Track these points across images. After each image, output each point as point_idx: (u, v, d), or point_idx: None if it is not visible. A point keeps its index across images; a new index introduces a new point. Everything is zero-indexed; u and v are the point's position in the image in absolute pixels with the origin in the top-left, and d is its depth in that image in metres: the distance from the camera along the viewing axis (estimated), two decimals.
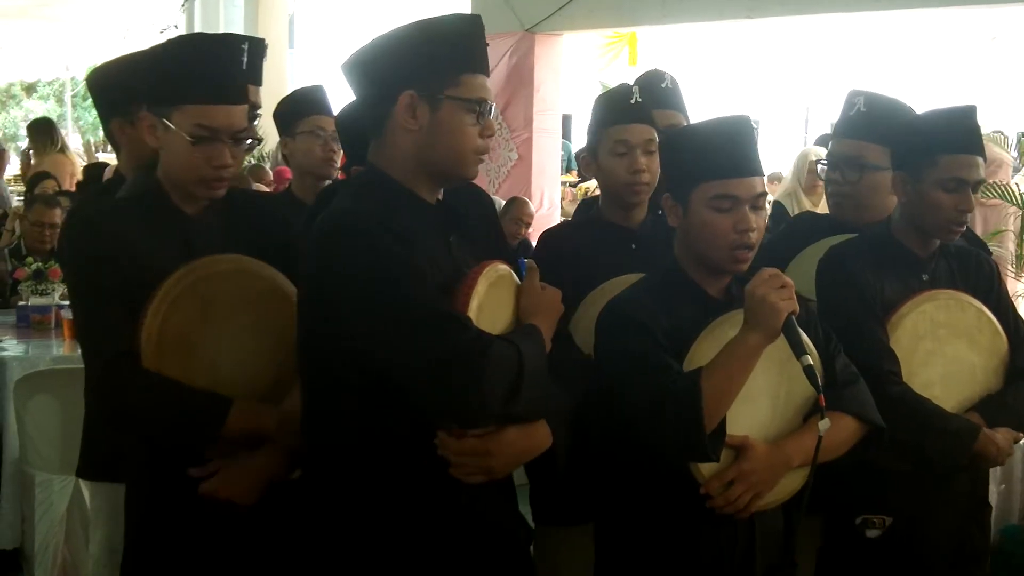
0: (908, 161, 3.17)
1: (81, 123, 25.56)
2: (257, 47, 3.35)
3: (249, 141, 2.87)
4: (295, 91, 4.41)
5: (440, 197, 2.55)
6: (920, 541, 3.16)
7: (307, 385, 2.51)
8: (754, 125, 2.94)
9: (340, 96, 3.46)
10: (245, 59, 2.80)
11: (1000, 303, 3.28)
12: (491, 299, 2.42)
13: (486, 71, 2.49)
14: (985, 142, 3.22)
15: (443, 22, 2.44)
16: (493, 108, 2.50)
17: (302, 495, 2.56)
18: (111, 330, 2.68)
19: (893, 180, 3.23)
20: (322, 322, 2.38)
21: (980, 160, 3.13)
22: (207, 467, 2.73)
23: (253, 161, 11.50)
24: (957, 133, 3.13)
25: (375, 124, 2.47)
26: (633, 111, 3.33)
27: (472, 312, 2.34)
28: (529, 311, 2.53)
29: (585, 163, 3.46)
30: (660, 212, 3.43)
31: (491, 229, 2.77)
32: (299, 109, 4.17)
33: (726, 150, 2.71)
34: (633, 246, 3.33)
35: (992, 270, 3.34)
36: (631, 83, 3.49)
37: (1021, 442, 4.05)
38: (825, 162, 3.53)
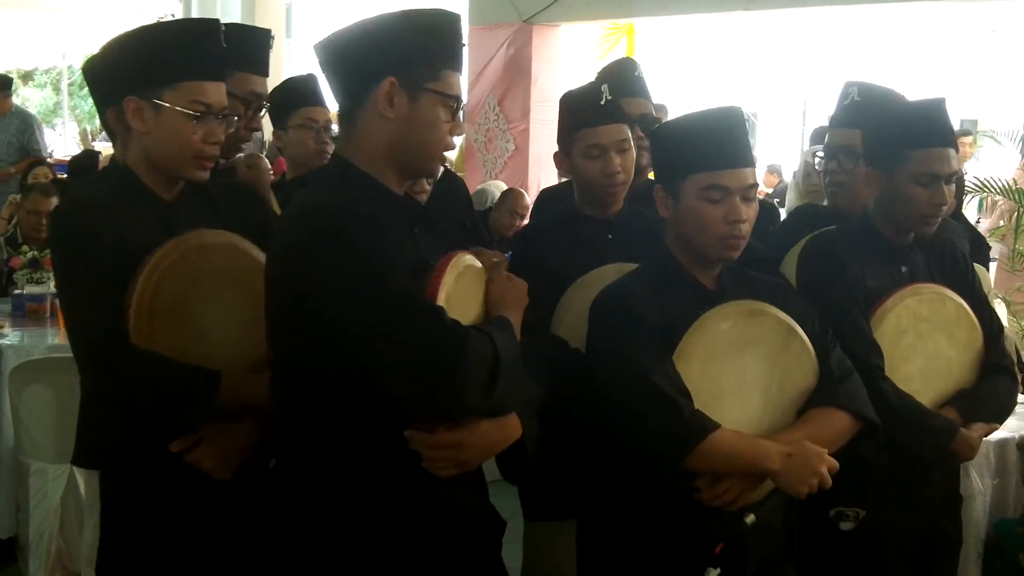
0: (879, 157, 3.17)
1: (78, 111, 25.51)
2: (261, 36, 3.33)
3: (237, 118, 2.90)
4: (285, 82, 4.33)
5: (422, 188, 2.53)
6: (892, 533, 3.16)
7: (279, 376, 2.46)
8: (751, 118, 2.95)
9: None
10: (222, 39, 2.82)
11: (973, 295, 3.28)
12: (458, 290, 2.39)
13: (461, 70, 2.47)
14: None
15: (429, 15, 2.40)
16: (463, 107, 2.47)
17: (275, 486, 2.52)
18: (99, 308, 2.68)
19: (867, 175, 3.23)
20: (295, 314, 2.31)
21: (952, 152, 3.12)
22: (188, 438, 2.74)
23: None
24: (927, 127, 3.12)
25: (348, 111, 2.43)
26: (604, 112, 3.30)
27: (441, 303, 2.31)
28: (498, 303, 2.50)
29: (558, 160, 3.45)
30: (636, 202, 3.46)
31: (465, 216, 2.74)
32: (290, 102, 4.12)
33: (717, 141, 2.72)
34: (609, 236, 3.34)
35: (966, 263, 3.34)
36: (599, 81, 3.47)
37: (1016, 436, 4.09)
38: (821, 154, 3.53)
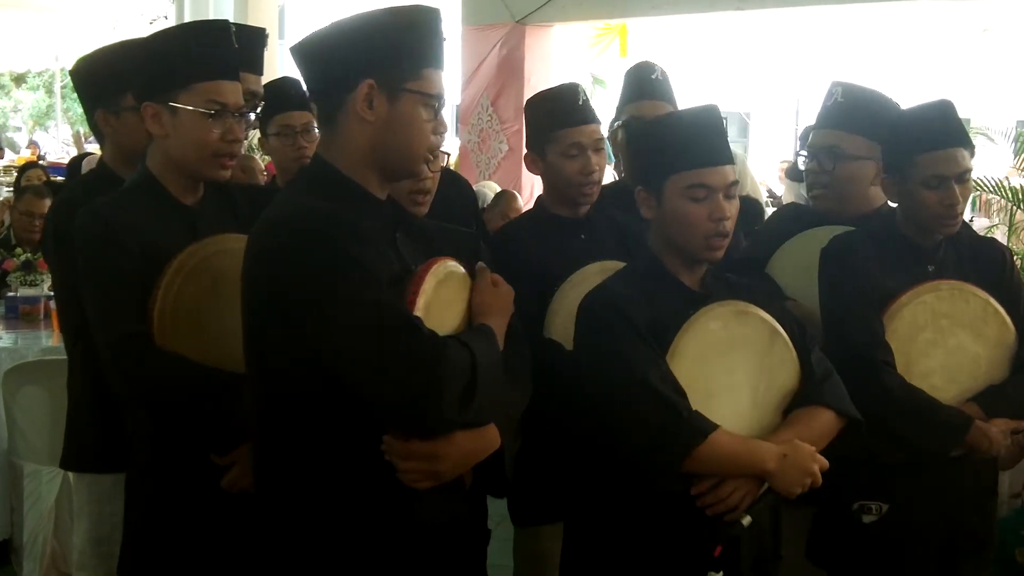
0: (893, 163, 3.19)
1: (70, 114, 25.49)
2: (256, 35, 3.33)
3: (252, 116, 2.93)
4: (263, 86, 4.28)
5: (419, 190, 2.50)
6: (916, 529, 3.16)
7: (255, 380, 2.40)
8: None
9: None
10: (233, 39, 2.84)
11: (1010, 292, 3.26)
12: (439, 298, 2.35)
13: (443, 67, 2.41)
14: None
15: (407, 12, 2.34)
16: (444, 105, 2.43)
17: (255, 498, 2.46)
18: (122, 311, 2.70)
19: (883, 183, 3.25)
20: (272, 318, 2.27)
21: (961, 151, 3.12)
22: (225, 459, 2.75)
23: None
24: (932, 130, 3.13)
25: (327, 113, 2.38)
26: (582, 112, 3.35)
27: (419, 312, 2.26)
28: (482, 310, 2.46)
29: (530, 160, 3.46)
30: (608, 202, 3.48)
31: (471, 217, 2.68)
32: (267, 109, 4.07)
33: (698, 140, 2.72)
34: (582, 236, 3.36)
35: (1003, 258, 3.32)
36: (576, 83, 3.50)
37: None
38: (805, 153, 3.54)
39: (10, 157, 17.98)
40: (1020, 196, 7.08)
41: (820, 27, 15.88)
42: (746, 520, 2.61)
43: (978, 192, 7.37)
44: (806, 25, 15.59)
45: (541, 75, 10.53)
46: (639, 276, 2.83)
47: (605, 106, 3.49)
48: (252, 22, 12.60)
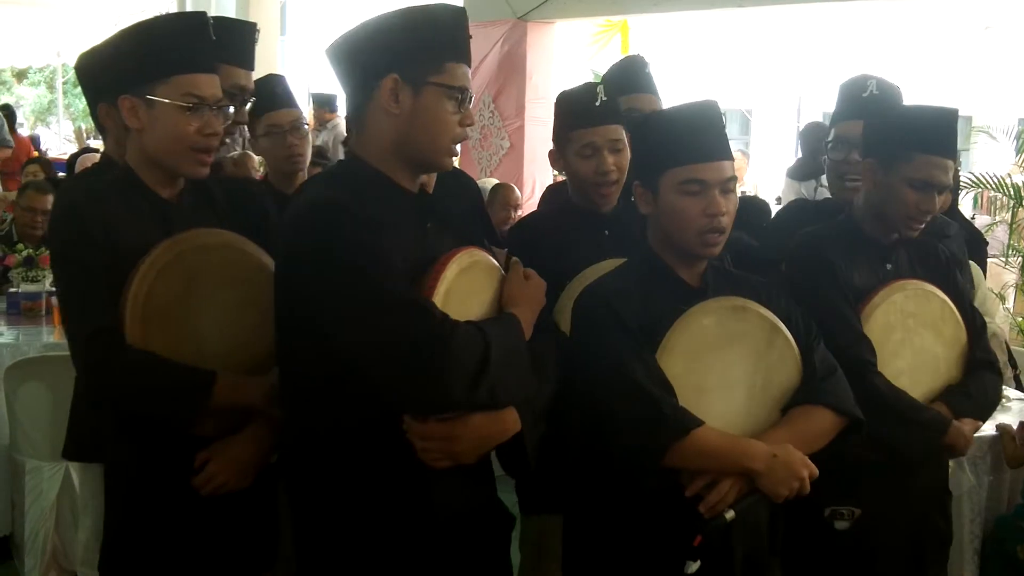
0: (882, 151, 3.18)
1: (72, 110, 25.49)
2: (244, 29, 3.31)
3: (232, 109, 2.92)
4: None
5: (421, 184, 2.56)
6: (883, 529, 3.16)
7: (282, 369, 2.52)
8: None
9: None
10: (211, 31, 2.83)
11: (957, 293, 3.29)
12: (462, 285, 2.40)
13: (469, 62, 2.49)
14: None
15: (430, 10, 2.44)
16: (472, 99, 2.50)
17: (280, 478, 2.58)
18: (94, 306, 2.67)
19: (863, 166, 3.24)
20: (291, 308, 2.39)
21: (950, 164, 3.14)
22: (199, 458, 2.74)
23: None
24: (936, 135, 3.13)
25: (356, 110, 2.48)
26: (599, 113, 3.32)
27: (439, 298, 2.33)
28: (511, 301, 2.52)
29: (553, 158, 3.47)
30: (632, 198, 3.47)
31: (476, 214, 2.73)
32: (253, 110, 4.04)
33: (693, 135, 2.71)
34: (606, 232, 3.34)
35: (948, 260, 3.35)
36: (596, 82, 3.48)
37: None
38: (830, 143, 3.52)
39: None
40: (1022, 194, 7.09)
41: (822, 24, 15.90)
42: (729, 515, 2.61)
43: (980, 189, 7.38)
44: (808, 22, 15.62)
45: (543, 72, 10.52)
46: (637, 272, 2.83)
47: None
48: (253, 18, 12.62)
